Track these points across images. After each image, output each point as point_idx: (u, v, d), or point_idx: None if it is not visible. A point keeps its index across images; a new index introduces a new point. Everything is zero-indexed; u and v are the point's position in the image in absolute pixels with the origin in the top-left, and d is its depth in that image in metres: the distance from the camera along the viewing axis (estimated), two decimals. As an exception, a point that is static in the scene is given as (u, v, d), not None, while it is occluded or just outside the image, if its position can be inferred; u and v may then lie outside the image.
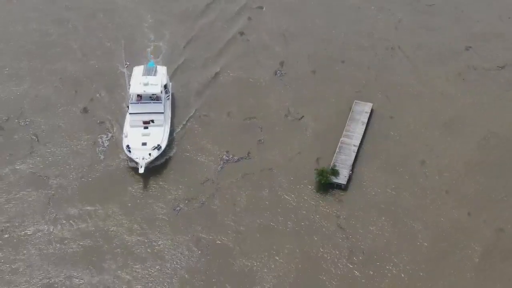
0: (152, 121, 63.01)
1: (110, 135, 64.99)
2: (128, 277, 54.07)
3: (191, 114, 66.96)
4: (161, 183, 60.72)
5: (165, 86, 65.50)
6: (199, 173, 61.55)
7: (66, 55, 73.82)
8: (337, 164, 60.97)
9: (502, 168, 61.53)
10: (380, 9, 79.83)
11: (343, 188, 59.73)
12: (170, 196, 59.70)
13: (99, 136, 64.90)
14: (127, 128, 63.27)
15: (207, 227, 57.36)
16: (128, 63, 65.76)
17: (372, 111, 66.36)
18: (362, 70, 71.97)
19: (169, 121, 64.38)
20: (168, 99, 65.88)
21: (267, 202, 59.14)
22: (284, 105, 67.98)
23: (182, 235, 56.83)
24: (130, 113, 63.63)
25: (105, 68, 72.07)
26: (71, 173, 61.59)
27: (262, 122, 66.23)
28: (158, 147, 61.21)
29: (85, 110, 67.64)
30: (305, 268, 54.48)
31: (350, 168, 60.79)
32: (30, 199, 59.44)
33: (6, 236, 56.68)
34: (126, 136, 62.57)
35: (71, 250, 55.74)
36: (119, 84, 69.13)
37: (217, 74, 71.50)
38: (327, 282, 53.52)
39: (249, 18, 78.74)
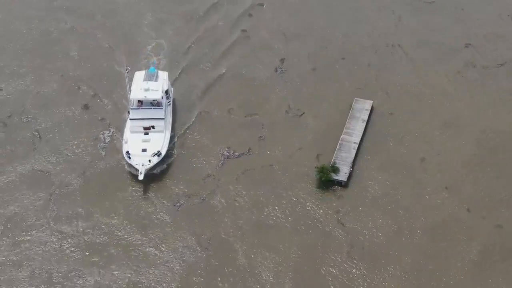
0: (153, 127, 62.33)
1: (111, 131, 65.23)
2: (129, 272, 54.30)
3: (192, 119, 66.55)
4: (162, 179, 60.88)
5: (166, 92, 64.70)
6: (200, 169, 61.75)
7: (67, 53, 74.02)
8: (337, 161, 61.20)
9: (501, 166, 61.76)
10: (380, 7, 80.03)
11: (343, 185, 59.95)
12: (171, 192, 59.93)
13: (101, 132, 65.11)
14: (127, 134, 62.58)
15: (208, 223, 57.56)
16: (129, 68, 64.99)
17: (372, 108, 66.60)
18: (362, 68, 72.18)
19: (169, 127, 63.72)
20: (169, 104, 65.08)
21: (267, 198, 59.36)
22: (284, 102, 68.22)
23: (183, 230, 57.04)
24: (130, 119, 62.94)
25: (106, 66, 72.28)
26: (73, 169, 61.80)
27: (263, 119, 66.47)
28: (158, 154, 60.51)
29: (86, 107, 67.88)
30: (305, 263, 54.73)
31: (351, 165, 61.01)
32: (32, 195, 59.68)
33: (8, 232, 56.90)
34: (126, 142, 61.86)
35: (72, 246, 55.93)
36: (119, 81, 69.21)
37: (217, 71, 71.72)
38: (327, 277, 53.77)
39: (250, 15, 79.05)
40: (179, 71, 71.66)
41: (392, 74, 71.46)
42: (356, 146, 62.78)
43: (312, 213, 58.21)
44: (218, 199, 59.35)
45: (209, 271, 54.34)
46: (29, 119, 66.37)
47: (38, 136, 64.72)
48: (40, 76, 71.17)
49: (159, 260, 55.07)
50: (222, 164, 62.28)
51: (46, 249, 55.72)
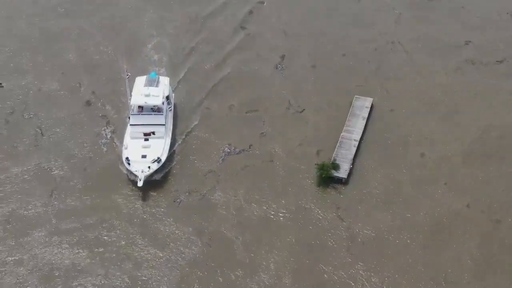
0: (153, 133, 61.59)
1: (112, 128, 65.50)
2: (130, 268, 54.52)
3: (194, 123, 66.35)
4: (162, 175, 61.04)
5: (167, 97, 63.93)
6: (201, 165, 61.99)
7: (68, 50, 74.26)
8: (337, 158, 61.41)
9: (500, 161, 62.04)
10: (381, 4, 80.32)
11: (343, 182, 60.16)
12: (171, 188, 60.15)
13: (102, 129, 65.38)
14: (127, 139, 61.87)
15: (208, 219, 57.79)
16: (129, 73, 63.91)
17: (372, 106, 66.79)
18: (362, 64, 72.47)
19: (170, 133, 62.97)
20: (170, 110, 64.37)
21: (267, 194, 59.59)
22: (285, 98, 68.48)
23: (184, 226, 57.26)
24: (130, 125, 62.19)
25: (107, 63, 72.59)
26: (74, 165, 62.07)
27: (264, 115, 66.76)
28: (158, 160, 59.74)
29: (88, 103, 68.19)
30: (305, 258, 54.99)
31: (351, 162, 61.23)
32: (34, 191, 59.92)
33: (9, 227, 57.12)
34: (126, 148, 61.16)
35: (74, 241, 56.15)
36: (120, 79, 69.45)
37: (218, 68, 72.03)
38: (326, 272, 54.02)
39: (250, 12, 79.35)
40: (179, 69, 71.96)
41: (392, 71, 71.74)
42: (357, 143, 62.98)
43: (312, 209, 58.45)
44: (219, 195, 59.58)
45: (209, 267, 54.55)
46: (31, 115, 66.68)
47: (40, 133, 65.02)
48: (41, 73, 71.45)
49: (159, 256, 55.29)
50: (222, 160, 62.55)
51: (47, 245, 55.92)
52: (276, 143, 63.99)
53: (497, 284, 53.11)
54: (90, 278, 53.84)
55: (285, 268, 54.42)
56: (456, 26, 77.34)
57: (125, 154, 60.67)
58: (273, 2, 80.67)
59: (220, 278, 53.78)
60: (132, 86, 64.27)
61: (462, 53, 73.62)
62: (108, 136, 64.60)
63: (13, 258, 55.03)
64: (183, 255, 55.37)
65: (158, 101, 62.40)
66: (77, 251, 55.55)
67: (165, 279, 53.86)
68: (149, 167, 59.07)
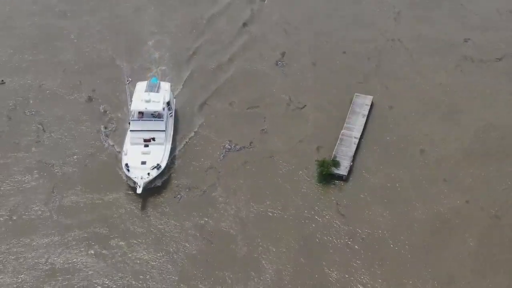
0: (153, 139, 60.96)
1: (114, 123, 65.74)
2: (131, 263, 54.80)
3: (195, 127, 66.14)
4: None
5: (168, 103, 63.18)
6: (201, 162, 62.20)
7: (69, 48, 74.48)
8: (338, 155, 61.66)
9: (500, 158, 62.31)
10: (380, 2, 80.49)
11: (343, 179, 60.40)
12: (172, 184, 60.36)
13: (103, 124, 65.62)
14: (127, 145, 61.20)
15: (209, 215, 58.01)
16: (130, 79, 63.76)
17: (372, 103, 66.97)
18: (362, 62, 72.71)
19: (170, 139, 62.29)
20: (171, 116, 63.75)
21: (268, 190, 59.85)
22: (285, 95, 68.73)
23: (184, 222, 57.48)
24: (130, 130, 61.63)
25: (108, 60, 72.82)
26: (76, 161, 62.33)
27: (264, 112, 67.02)
28: (157, 167, 59.08)
29: (89, 99, 68.44)
30: (305, 255, 55.24)
31: (351, 159, 61.51)
32: (35, 186, 60.21)
33: (11, 222, 57.38)
34: (125, 154, 60.51)
35: (75, 237, 56.36)
36: (120, 77, 69.68)
37: (219, 65, 72.25)
38: (326, 268, 54.30)
39: (252, 10, 79.59)
40: (179, 67, 72.17)
41: (392, 68, 71.98)
42: (357, 141, 63.22)
43: (312, 205, 58.71)
44: (219, 191, 59.80)
45: (210, 262, 54.81)
46: (33, 112, 66.93)
47: (41, 129, 65.29)
48: (42, 70, 71.67)
49: (160, 252, 55.52)
50: (223, 157, 62.82)
51: (49, 240, 56.16)
52: (276, 139, 64.22)
53: (498, 282, 53.34)
54: (91, 274, 54.07)
55: (285, 264, 54.65)
56: (456, 24, 77.55)
57: (124, 160, 59.93)
58: (274, 0, 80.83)
59: (220, 275, 54.03)
60: (133, 91, 63.94)
61: (462, 51, 73.82)
62: (109, 132, 64.81)
63: (14, 255, 55.31)
64: (184, 251, 55.58)
65: (158, 107, 61.70)
66: (78, 247, 55.77)
67: (166, 274, 54.11)
68: (148, 173, 58.49)
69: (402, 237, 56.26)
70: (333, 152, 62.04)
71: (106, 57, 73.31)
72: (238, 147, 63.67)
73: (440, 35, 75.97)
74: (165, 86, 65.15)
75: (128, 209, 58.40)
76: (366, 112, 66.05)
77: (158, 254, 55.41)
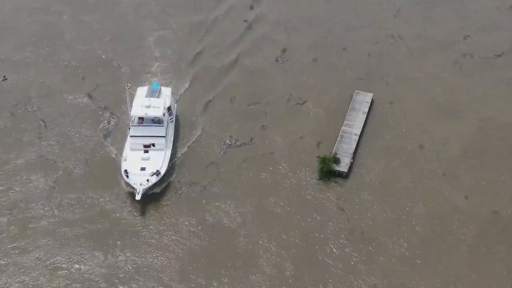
0: (153, 144, 60.45)
1: (114, 120, 66.01)
2: (132, 258, 55.07)
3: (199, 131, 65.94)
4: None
5: (169, 109, 62.56)
6: (203, 158, 62.49)
7: (70, 44, 74.92)
8: (338, 152, 61.87)
9: (498, 154, 62.63)
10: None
11: (344, 176, 60.62)
12: (173, 180, 60.55)
13: (104, 121, 65.94)
14: (127, 151, 60.71)
15: (209, 210, 58.27)
16: (129, 84, 63.44)
17: (372, 101, 67.17)
18: (363, 58, 72.98)
19: (170, 145, 61.68)
20: (171, 121, 63.16)
21: (268, 186, 60.12)
22: (286, 91, 69.03)
23: (185, 217, 57.75)
24: (130, 136, 61.11)
25: (109, 57, 73.15)
26: (77, 157, 62.63)
27: (265, 107, 67.30)
28: (157, 173, 58.55)
29: (90, 96, 68.72)
30: (305, 249, 55.55)
31: (351, 156, 61.74)
32: (37, 182, 60.52)
33: (13, 218, 57.63)
34: (125, 160, 59.99)
35: (77, 233, 56.64)
36: (121, 75, 70.13)
37: (220, 62, 72.51)
38: (326, 262, 54.61)
39: (251, 7, 79.87)
40: (179, 64, 72.49)
41: (392, 64, 72.27)
42: (357, 137, 63.45)
43: (313, 200, 58.99)
44: (220, 187, 60.05)
45: (210, 258, 55.05)
46: (34, 108, 67.26)
47: (43, 125, 65.59)
48: (44, 67, 72.05)
49: (161, 246, 55.80)
50: (224, 153, 63.09)
51: (51, 235, 56.43)
52: (277, 135, 64.51)
53: (496, 276, 53.66)
54: (93, 269, 54.32)
55: (285, 259, 54.94)
56: (455, 21, 77.83)
57: (123, 166, 59.58)
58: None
59: (221, 269, 54.30)
60: (133, 96, 63.44)
61: (461, 48, 74.12)
62: (110, 129, 65.11)
63: (16, 250, 55.56)
64: (184, 246, 55.88)
65: (158, 112, 61.20)
66: (79, 242, 56.03)
67: (166, 270, 54.38)
68: (147, 180, 58.09)
69: (401, 232, 56.58)
70: (334, 149, 62.27)
71: (108, 55, 73.60)
72: (238, 143, 63.94)
73: (440, 32, 76.26)
74: (166, 91, 64.59)
75: (129, 204, 58.61)
76: (366, 109, 66.30)
77: (159, 250, 55.66)
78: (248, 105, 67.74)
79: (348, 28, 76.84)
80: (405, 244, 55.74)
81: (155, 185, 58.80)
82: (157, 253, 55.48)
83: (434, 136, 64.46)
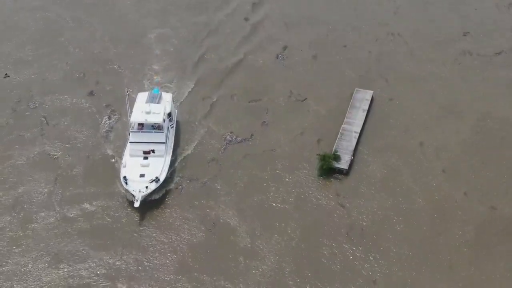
0: (153, 151, 59.75)
1: (115, 117, 66.24)
2: (133, 253, 55.25)
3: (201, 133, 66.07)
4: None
5: (169, 114, 61.90)
6: (203, 154, 62.74)
7: (72, 42, 75.17)
8: (338, 149, 62.08)
9: (497, 150, 62.82)
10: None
11: (344, 173, 60.82)
12: (174, 175, 60.72)
13: (105, 118, 66.17)
14: (126, 157, 60.04)
15: (210, 205, 58.47)
16: (130, 90, 63.08)
17: (372, 98, 67.38)
18: (363, 55, 73.25)
19: (170, 151, 60.99)
20: (172, 127, 62.43)
21: (268, 182, 60.33)
22: (287, 88, 69.26)
23: (186, 213, 57.93)
24: (130, 142, 60.51)
25: (110, 56, 73.44)
26: (78, 153, 62.88)
27: (266, 104, 67.52)
28: (156, 180, 57.88)
29: (91, 93, 69.03)
30: (305, 245, 55.72)
31: (352, 153, 61.95)
32: (38, 178, 60.72)
33: (14, 214, 57.85)
34: (124, 166, 59.35)
35: (78, 229, 56.79)
36: (122, 72, 70.41)
37: (221, 59, 72.82)
38: (327, 258, 54.79)
39: (253, 4, 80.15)
40: (178, 61, 72.78)
41: (392, 62, 72.54)
42: (357, 135, 63.66)
43: (312, 197, 59.19)
44: (221, 182, 60.28)
45: (211, 252, 55.26)
46: (36, 105, 67.56)
47: (45, 122, 65.92)
48: (46, 64, 72.34)
49: (162, 242, 55.98)
50: (224, 149, 63.32)
51: (52, 231, 56.63)
52: (277, 132, 64.74)
53: (493, 270, 53.89)
54: (94, 264, 54.54)
55: (286, 255, 55.14)
56: (455, 17, 78.13)
57: (123, 172, 58.89)
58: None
59: (221, 264, 54.52)
60: (133, 102, 62.98)
61: (461, 45, 74.39)
62: (111, 126, 65.37)
63: (17, 244, 55.79)
64: (185, 242, 56.05)
65: (158, 118, 60.43)
66: (81, 237, 56.22)
67: (167, 265, 54.55)
68: (146, 187, 57.39)
69: (401, 228, 56.79)
70: (334, 147, 62.47)
71: (109, 52, 73.91)
72: (239, 139, 64.18)
73: (439, 29, 76.55)
74: (167, 97, 64.01)
75: (130, 200, 58.46)
76: (366, 107, 66.47)
77: (160, 245, 55.85)
78: (249, 102, 68.03)
79: (348, 26, 77.12)
80: (405, 241, 55.93)
81: (154, 191, 58.28)
82: (158, 248, 55.62)
83: (434, 133, 64.65)
